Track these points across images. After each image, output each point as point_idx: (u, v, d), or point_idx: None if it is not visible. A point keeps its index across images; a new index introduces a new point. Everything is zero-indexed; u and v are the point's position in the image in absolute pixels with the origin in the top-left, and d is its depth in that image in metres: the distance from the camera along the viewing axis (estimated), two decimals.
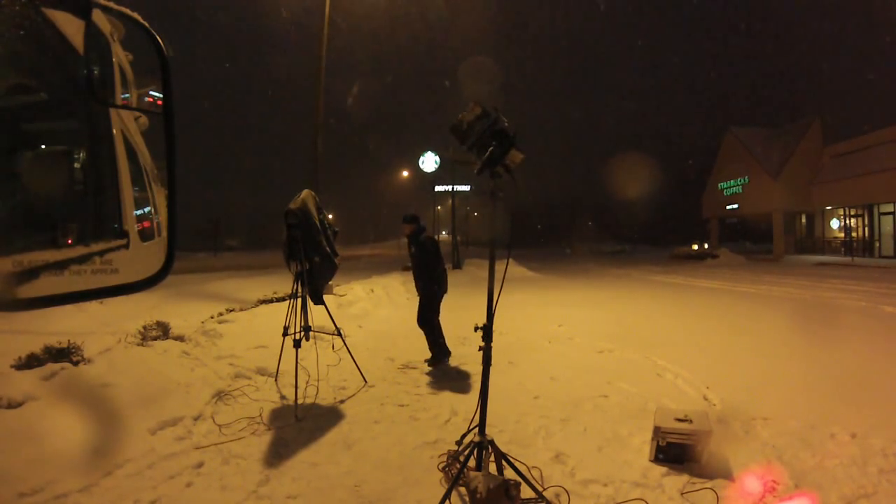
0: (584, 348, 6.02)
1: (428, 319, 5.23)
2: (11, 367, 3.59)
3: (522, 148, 2.46)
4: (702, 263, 25.78)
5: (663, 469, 2.80)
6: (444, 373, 5.04)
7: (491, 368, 2.59)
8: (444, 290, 5.30)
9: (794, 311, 9.25)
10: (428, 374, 5.00)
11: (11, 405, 3.05)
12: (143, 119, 1.86)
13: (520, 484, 2.37)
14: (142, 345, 4.46)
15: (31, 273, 0.95)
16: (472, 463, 2.54)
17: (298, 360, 4.01)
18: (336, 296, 8.66)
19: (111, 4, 1.05)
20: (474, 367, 5.13)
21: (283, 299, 7.55)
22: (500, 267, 2.56)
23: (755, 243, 36.80)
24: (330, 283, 5.60)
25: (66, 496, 2.47)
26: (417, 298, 5.32)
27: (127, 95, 1.69)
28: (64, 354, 3.81)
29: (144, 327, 4.88)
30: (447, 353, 5.33)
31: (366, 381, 4.60)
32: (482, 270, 16.65)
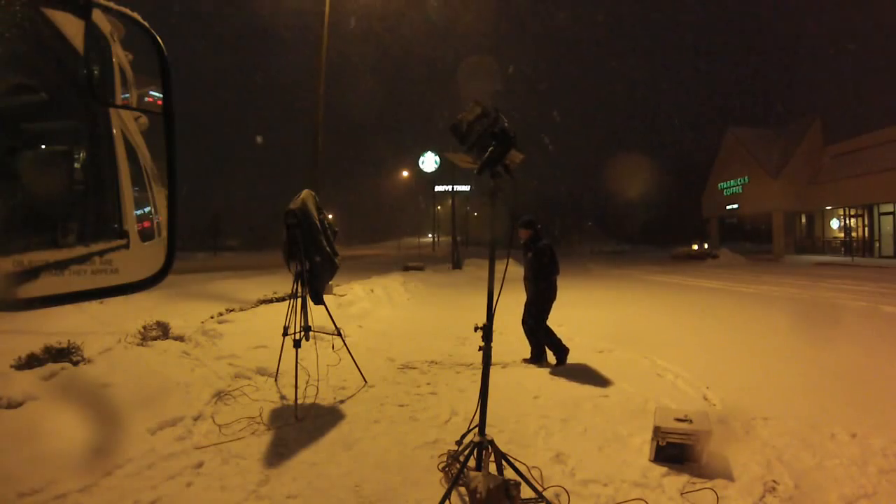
0: (584, 348, 6.02)
1: (539, 322, 5.28)
2: (11, 367, 3.58)
3: (522, 148, 2.46)
4: (702, 263, 25.79)
5: (663, 469, 2.80)
6: (443, 373, 5.03)
7: (491, 368, 2.59)
8: (555, 297, 5.40)
9: (794, 311, 9.25)
10: (427, 374, 5.00)
11: (11, 405, 3.04)
12: (143, 119, 1.86)
13: (520, 484, 2.37)
14: (142, 345, 4.46)
15: (31, 273, 0.95)
16: (472, 463, 2.54)
17: (298, 360, 4.00)
18: (336, 296, 8.65)
19: (111, 4, 1.05)
20: (474, 367, 5.14)
21: (283, 299, 7.55)
22: (500, 267, 2.56)
23: (755, 243, 36.79)
24: (330, 283, 5.60)
25: (66, 496, 2.46)
26: (486, 299, 5.28)
27: (127, 95, 1.69)
28: (64, 354, 3.81)
29: (144, 327, 4.88)
30: (566, 349, 5.30)
31: (366, 381, 4.60)
32: (482, 270, 16.64)
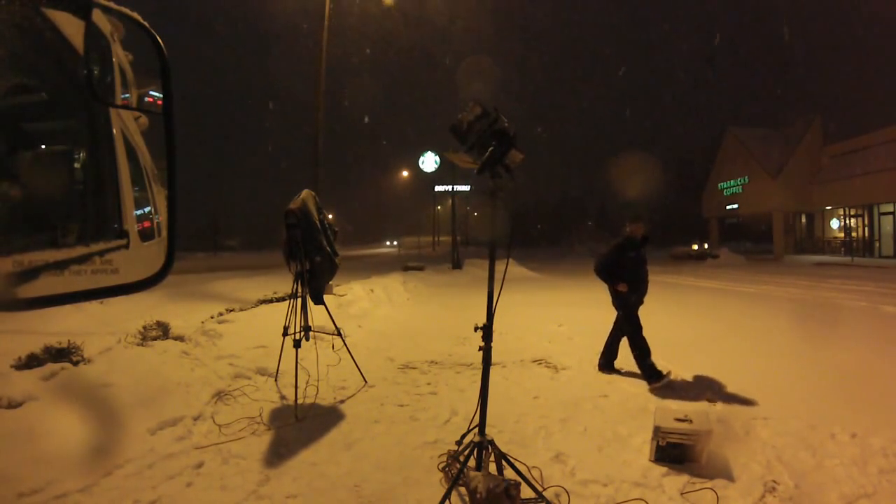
0: (584, 348, 6.02)
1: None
2: (11, 367, 3.59)
3: (522, 148, 2.46)
4: (702, 263, 25.78)
5: (663, 469, 2.80)
6: (443, 373, 5.03)
7: (491, 368, 2.59)
8: None
9: (794, 311, 9.25)
10: (427, 374, 4.99)
11: (11, 405, 3.04)
12: (143, 119, 1.86)
13: (520, 484, 2.37)
14: (142, 345, 4.46)
15: (31, 273, 0.95)
16: (472, 463, 2.54)
17: (298, 360, 4.00)
18: (336, 296, 8.65)
19: (111, 4, 1.05)
20: (474, 367, 5.14)
21: (283, 299, 7.55)
22: (500, 267, 2.56)
23: (755, 243, 36.76)
24: (330, 283, 5.60)
25: (66, 496, 2.47)
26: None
27: (127, 95, 1.69)
28: (64, 354, 3.81)
29: (144, 327, 4.88)
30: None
31: (366, 381, 4.60)
32: (482, 270, 16.65)
